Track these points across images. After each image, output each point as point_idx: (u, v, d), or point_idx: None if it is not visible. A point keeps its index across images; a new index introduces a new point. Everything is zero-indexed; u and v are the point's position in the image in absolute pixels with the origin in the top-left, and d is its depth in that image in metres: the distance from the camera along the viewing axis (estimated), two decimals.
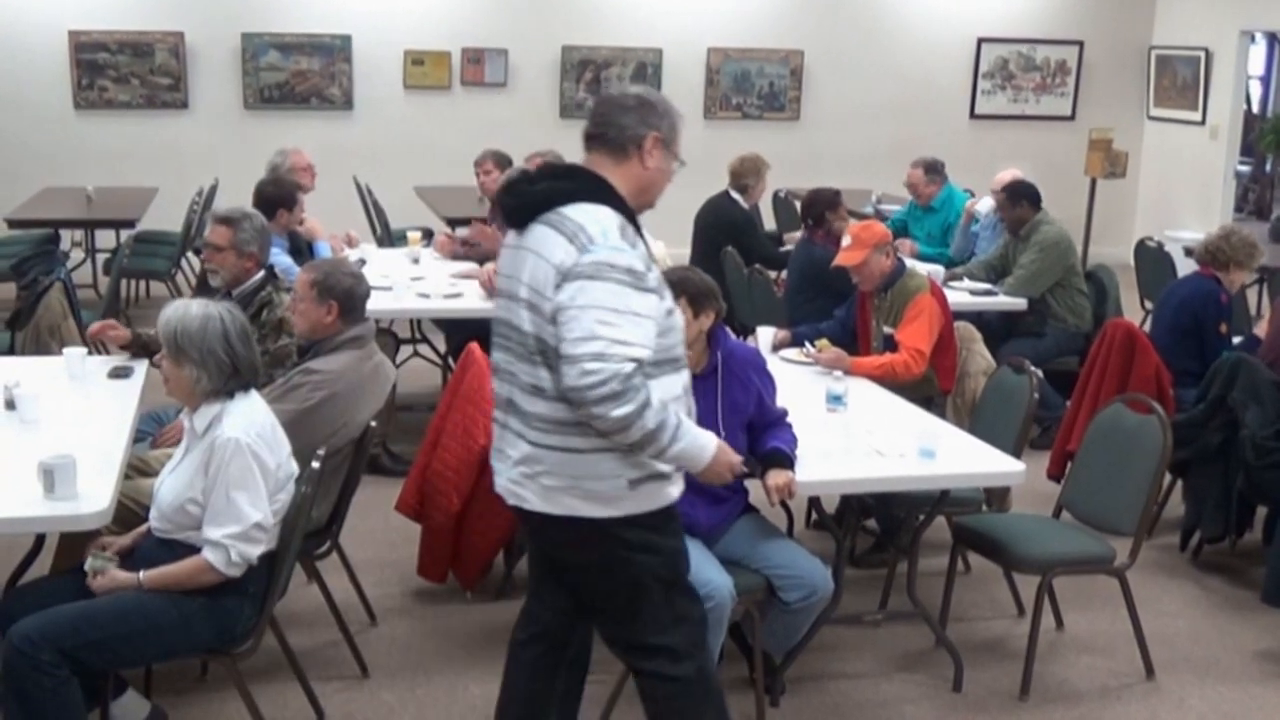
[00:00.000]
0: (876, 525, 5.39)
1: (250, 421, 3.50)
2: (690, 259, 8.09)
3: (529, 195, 3.17)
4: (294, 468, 3.67)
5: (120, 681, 3.78)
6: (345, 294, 4.45)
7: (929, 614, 4.58)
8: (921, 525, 4.54)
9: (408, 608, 4.91)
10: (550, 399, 3.09)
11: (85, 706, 3.45)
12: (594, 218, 3.08)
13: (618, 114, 3.25)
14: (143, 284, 9.61)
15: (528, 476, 3.17)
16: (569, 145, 11.24)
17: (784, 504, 5.35)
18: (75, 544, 3.90)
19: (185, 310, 3.51)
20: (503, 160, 7.87)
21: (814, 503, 4.72)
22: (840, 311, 5.90)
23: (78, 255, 9.89)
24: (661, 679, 3.35)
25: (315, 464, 3.67)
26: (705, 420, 4.01)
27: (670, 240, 8.13)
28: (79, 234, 9.82)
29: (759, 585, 4.03)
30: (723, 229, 8.06)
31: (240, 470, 3.44)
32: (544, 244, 3.08)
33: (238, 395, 3.54)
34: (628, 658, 3.45)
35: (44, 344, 5.80)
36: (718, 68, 12.21)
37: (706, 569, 3.87)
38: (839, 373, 4.90)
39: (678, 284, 4.00)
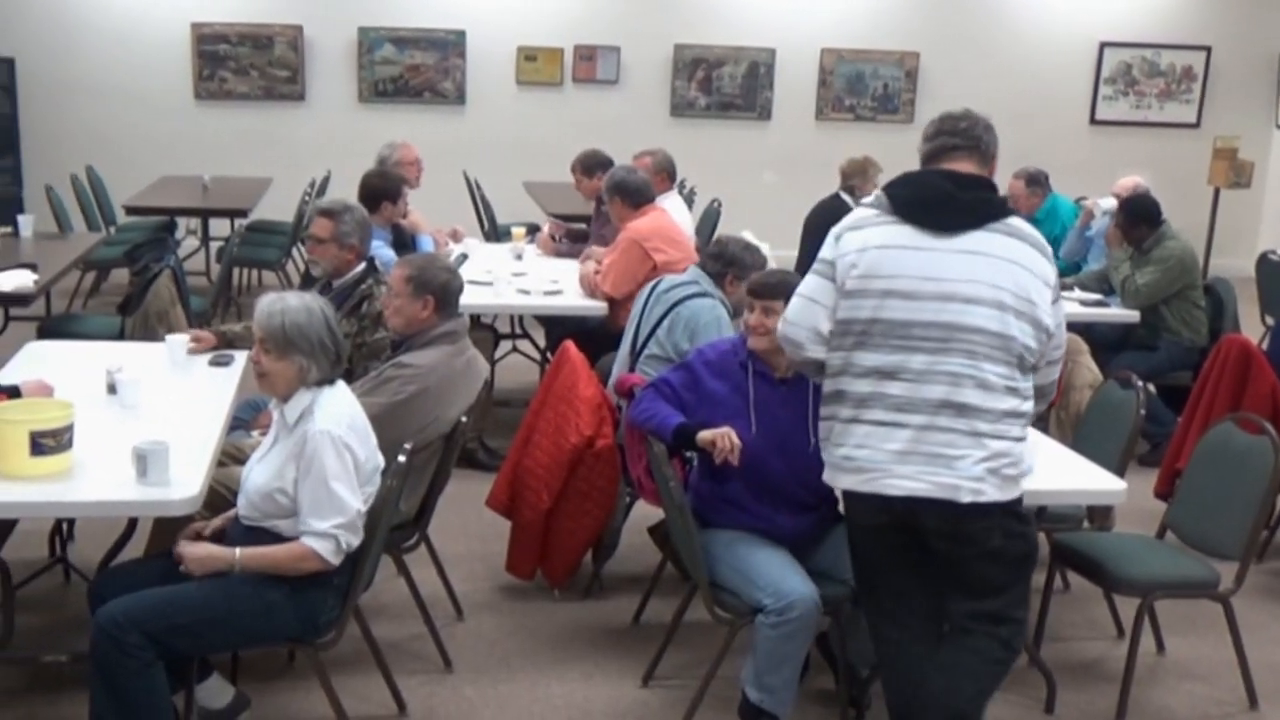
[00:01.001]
0: None
1: (340, 414, 3.52)
2: (796, 261, 7.99)
3: (969, 203, 3.39)
4: (380, 460, 3.68)
5: (206, 666, 3.82)
6: (441, 289, 4.46)
7: None
8: None
9: (494, 603, 4.90)
10: (1021, 396, 3.36)
11: (170, 689, 3.49)
12: (1036, 232, 3.46)
13: (981, 129, 3.53)
14: (254, 273, 9.77)
15: (992, 471, 3.33)
16: (679, 143, 11.27)
17: None
18: (167, 528, 3.95)
19: (286, 303, 3.52)
20: (590, 168, 7.81)
21: None
22: None
23: (192, 243, 10.09)
24: (1002, 645, 3.50)
25: (401, 458, 3.67)
26: (795, 427, 3.97)
27: (779, 242, 8.08)
28: (194, 222, 10.02)
29: (845, 596, 3.95)
30: (829, 230, 7.94)
31: (335, 462, 3.45)
32: (1015, 253, 3.36)
33: (326, 387, 3.56)
34: (981, 625, 3.50)
35: (152, 330, 5.90)
36: (831, 69, 12.09)
37: (790, 578, 3.80)
38: None
39: (777, 286, 3.95)
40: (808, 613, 3.76)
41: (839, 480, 3.49)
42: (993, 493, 3.32)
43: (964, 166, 3.46)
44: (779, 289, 3.93)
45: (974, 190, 3.41)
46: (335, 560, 3.47)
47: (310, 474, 3.44)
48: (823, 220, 7.99)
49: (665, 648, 4.36)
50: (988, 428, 3.30)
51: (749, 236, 7.65)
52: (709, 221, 9.13)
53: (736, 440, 3.85)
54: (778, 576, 3.81)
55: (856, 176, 8.06)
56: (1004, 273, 3.32)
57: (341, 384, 3.65)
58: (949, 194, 3.37)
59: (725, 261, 5.05)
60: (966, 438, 3.30)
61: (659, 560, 4.75)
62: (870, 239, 3.42)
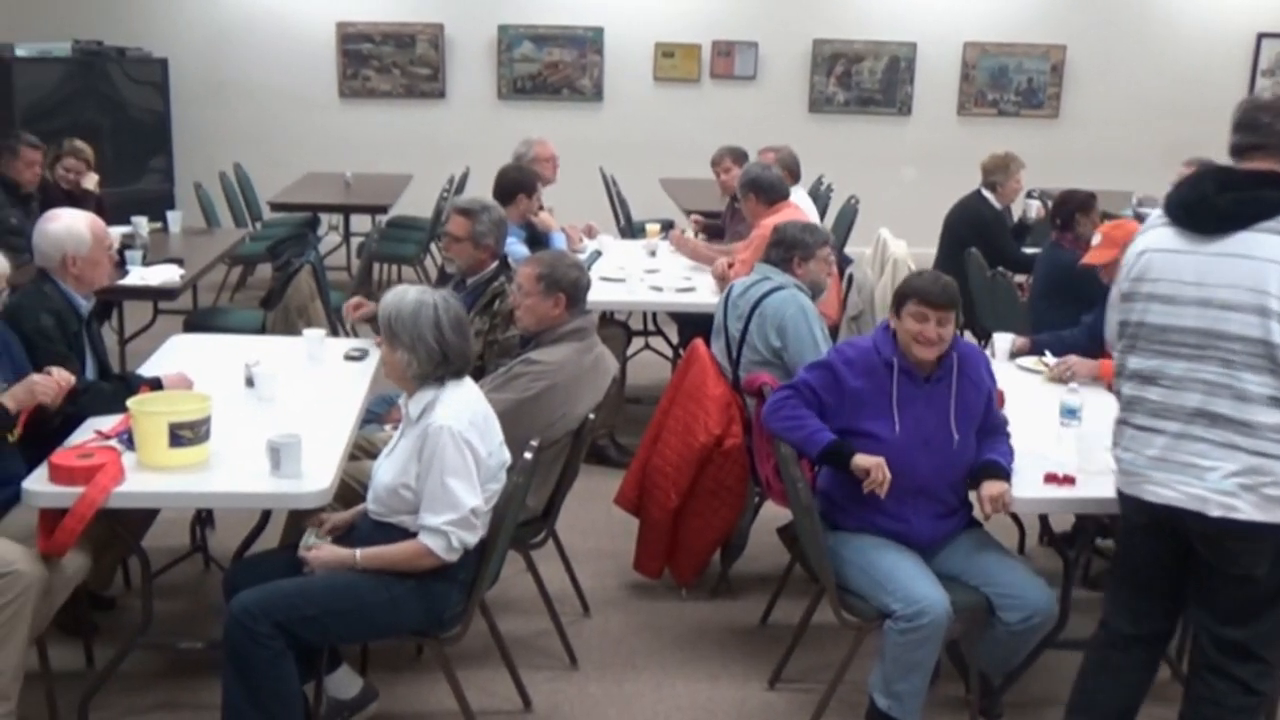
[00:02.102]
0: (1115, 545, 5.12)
1: (462, 409, 3.53)
2: (935, 259, 7.87)
3: (1227, 205, 3.24)
4: (506, 456, 3.69)
5: (335, 657, 3.87)
6: (571, 286, 4.46)
7: None
8: None
9: (622, 601, 4.90)
10: None
11: (300, 679, 3.55)
12: None
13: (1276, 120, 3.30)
14: (393, 268, 9.91)
15: (1246, 488, 3.21)
16: (817, 139, 11.16)
17: (1016, 519, 5.19)
18: (302, 520, 4.01)
19: (402, 296, 3.57)
20: (740, 156, 7.79)
21: (1043, 521, 4.51)
22: (1089, 317, 5.59)
23: (334, 239, 10.30)
24: (1244, 689, 3.39)
25: (528, 454, 3.67)
26: (938, 425, 3.90)
27: (918, 240, 7.96)
28: (336, 218, 10.21)
29: (978, 603, 3.85)
30: (970, 227, 7.79)
31: (454, 457, 3.47)
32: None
33: (450, 383, 3.58)
34: (1226, 659, 3.41)
35: (292, 324, 6.02)
36: (974, 63, 11.86)
37: (921, 584, 3.73)
38: (1075, 385, 4.65)
39: (951, 294, 3.88)
40: (938, 620, 3.68)
41: (1116, 479, 3.52)
42: (1250, 511, 3.21)
43: (1260, 163, 3.29)
44: (953, 299, 3.87)
45: (1238, 190, 3.25)
46: (449, 557, 3.49)
47: (430, 469, 3.46)
48: (962, 218, 7.88)
49: (792, 650, 4.31)
50: (1244, 441, 3.20)
51: (885, 234, 7.58)
52: (845, 219, 9.03)
53: (888, 474, 3.79)
54: (908, 582, 3.74)
55: (998, 173, 7.88)
56: (1270, 276, 3.16)
57: (468, 380, 3.66)
58: (1203, 196, 3.30)
59: (787, 246, 4.97)
60: (1219, 449, 3.23)
61: (788, 561, 4.69)
62: (1148, 242, 3.42)
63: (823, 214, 9.45)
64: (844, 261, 7.42)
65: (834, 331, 6.28)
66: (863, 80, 11.88)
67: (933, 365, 3.93)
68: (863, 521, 3.95)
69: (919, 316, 3.86)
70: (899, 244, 7.42)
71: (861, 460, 3.80)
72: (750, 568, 5.07)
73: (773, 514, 4.82)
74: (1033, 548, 5.39)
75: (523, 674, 4.15)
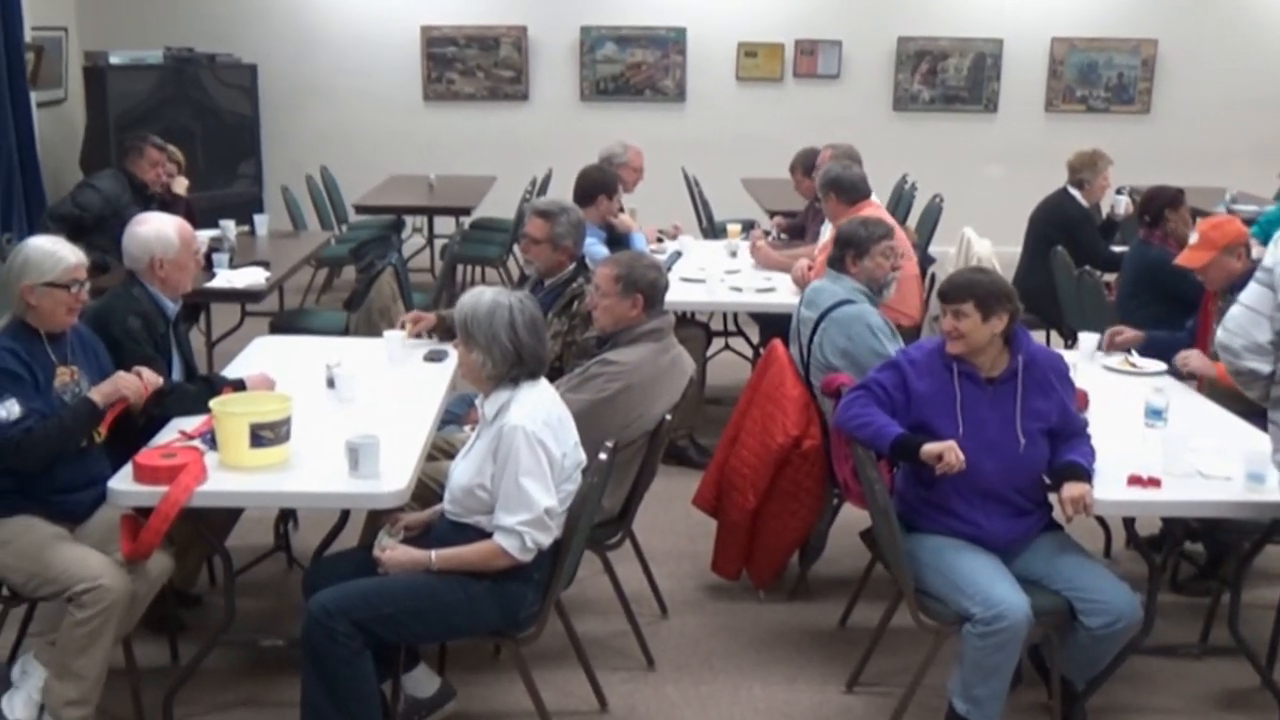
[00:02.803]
0: (1204, 550, 5.02)
1: (536, 410, 3.54)
2: (1020, 258, 7.76)
3: None
4: (581, 457, 3.69)
5: (413, 656, 3.90)
6: (649, 286, 4.47)
7: (1254, 651, 4.20)
8: (1248, 555, 4.19)
9: (699, 602, 4.89)
10: None
11: (378, 677, 3.58)
12: None
13: None
14: (477, 269, 9.98)
15: None
16: (902, 138, 11.07)
17: (1102, 522, 5.10)
18: (381, 520, 4.05)
19: (478, 297, 3.59)
20: (810, 167, 7.69)
21: (1129, 524, 4.41)
22: (1191, 322, 5.44)
23: (418, 241, 10.39)
24: None
25: (602, 455, 3.68)
26: (1002, 427, 3.84)
27: (1004, 239, 7.86)
28: (420, 220, 10.30)
29: (1059, 607, 3.79)
30: (1056, 226, 7.67)
31: (528, 458, 3.48)
32: None
33: (525, 384, 3.59)
34: None
35: (374, 325, 6.07)
36: (1062, 58, 11.69)
37: (1000, 586, 3.68)
38: (1159, 386, 4.56)
39: (964, 286, 3.82)
40: (1017, 623, 3.63)
41: None
42: None
43: None
44: (965, 290, 3.81)
45: None
46: (523, 558, 3.50)
47: (504, 470, 3.48)
48: (1048, 216, 7.76)
49: (870, 653, 4.27)
50: None
51: (969, 233, 7.49)
52: (929, 218, 8.93)
53: (961, 456, 3.74)
54: (986, 584, 3.69)
55: (1085, 170, 7.75)
56: None
57: (543, 381, 3.68)
58: None
59: (840, 244, 4.89)
60: None
61: (867, 563, 4.65)
62: None
63: (906, 213, 9.38)
64: (926, 261, 7.36)
65: (915, 332, 6.22)
66: (948, 78, 11.76)
67: (996, 367, 3.87)
68: (937, 524, 3.91)
69: (942, 312, 3.87)
70: (983, 243, 7.33)
71: (931, 446, 3.76)
72: (829, 570, 5.03)
73: (852, 516, 4.77)
74: (1119, 551, 5.31)
75: (599, 675, 4.16)
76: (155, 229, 4.39)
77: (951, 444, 3.75)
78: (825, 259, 6.08)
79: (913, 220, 9.21)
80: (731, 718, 4.11)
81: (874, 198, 6.59)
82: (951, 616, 3.76)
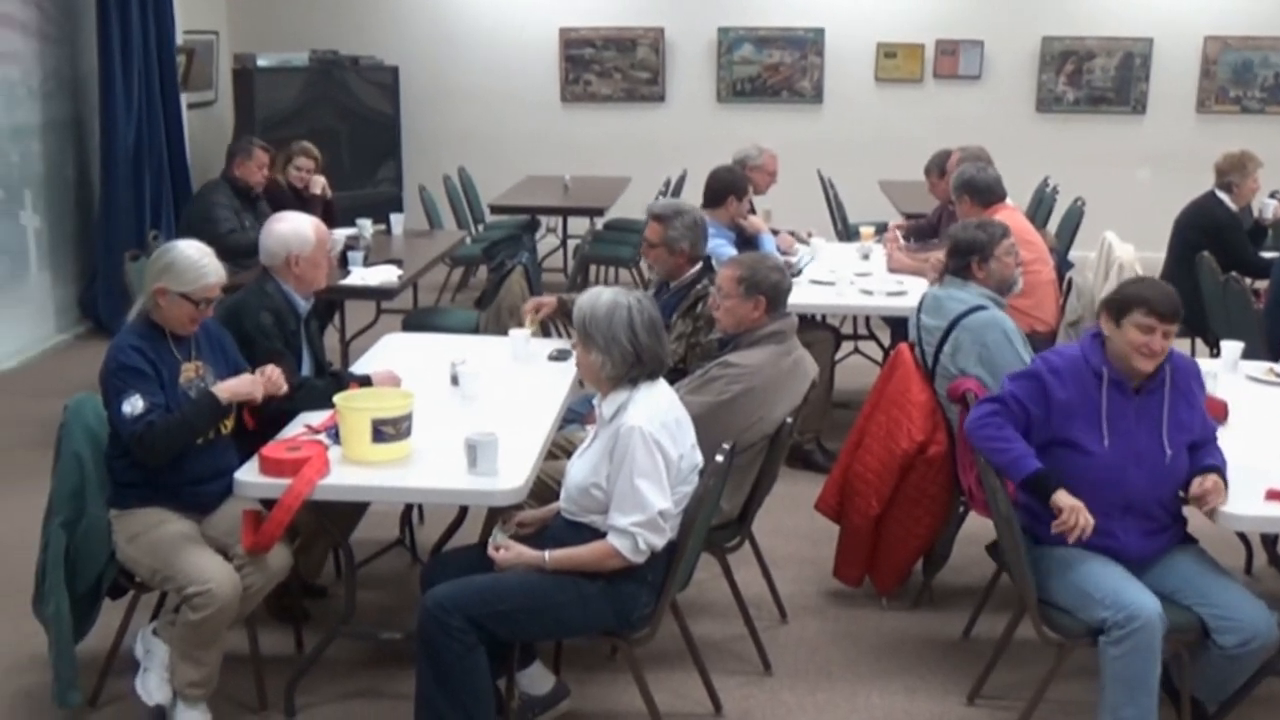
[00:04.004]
0: None
1: (654, 411, 3.53)
2: (1164, 263, 7.54)
3: None
4: (698, 459, 3.67)
5: (528, 653, 3.92)
6: (772, 289, 4.42)
7: None
8: None
9: (819, 608, 4.83)
10: None
11: (492, 673, 3.60)
12: None
13: None
14: (610, 270, 10.02)
15: None
16: (1045, 140, 10.85)
17: (1243, 538, 4.92)
18: (500, 517, 4.08)
19: (597, 297, 3.59)
20: (945, 166, 7.56)
21: (1270, 541, 4.26)
22: None
23: (552, 241, 10.47)
24: None
25: (719, 457, 3.65)
26: (1149, 439, 3.72)
27: (1148, 244, 7.64)
28: (554, 220, 10.38)
29: (1191, 624, 3.65)
30: (1202, 230, 7.43)
31: (644, 459, 3.47)
32: None
33: (644, 384, 3.58)
34: None
35: (504, 324, 6.12)
36: (1215, 57, 11.33)
37: (1129, 588, 3.58)
38: None
39: (1177, 305, 3.67)
40: (1151, 623, 3.50)
41: None
42: None
43: None
44: (1181, 310, 3.66)
45: None
46: (635, 559, 3.49)
47: (620, 470, 3.47)
48: (1194, 220, 7.52)
49: (993, 665, 4.17)
50: None
51: (1111, 237, 7.29)
52: (1070, 221, 8.73)
53: (1089, 521, 3.63)
54: (1116, 588, 3.58)
55: (1234, 173, 7.49)
56: None
57: (661, 382, 3.66)
58: None
59: (963, 251, 4.72)
60: None
61: (993, 571, 4.55)
62: None
63: (1046, 217, 9.18)
64: (1064, 265, 7.18)
65: (1051, 337, 6.08)
66: (1094, 78, 11.47)
67: (1145, 376, 3.75)
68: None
69: (1145, 328, 3.65)
70: (1125, 248, 7.12)
71: (1061, 499, 3.66)
72: (954, 579, 4.94)
73: (979, 524, 4.67)
74: (1261, 569, 5.11)
75: (715, 678, 4.13)
76: (293, 227, 4.48)
77: (1080, 505, 3.64)
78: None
79: (1053, 224, 9.01)
80: None
81: (1010, 200, 6.46)
82: (1080, 629, 3.66)
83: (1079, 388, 3.77)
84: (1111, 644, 3.55)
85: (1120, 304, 3.71)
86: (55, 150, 8.63)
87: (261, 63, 10.59)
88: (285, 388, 4.04)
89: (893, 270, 6.86)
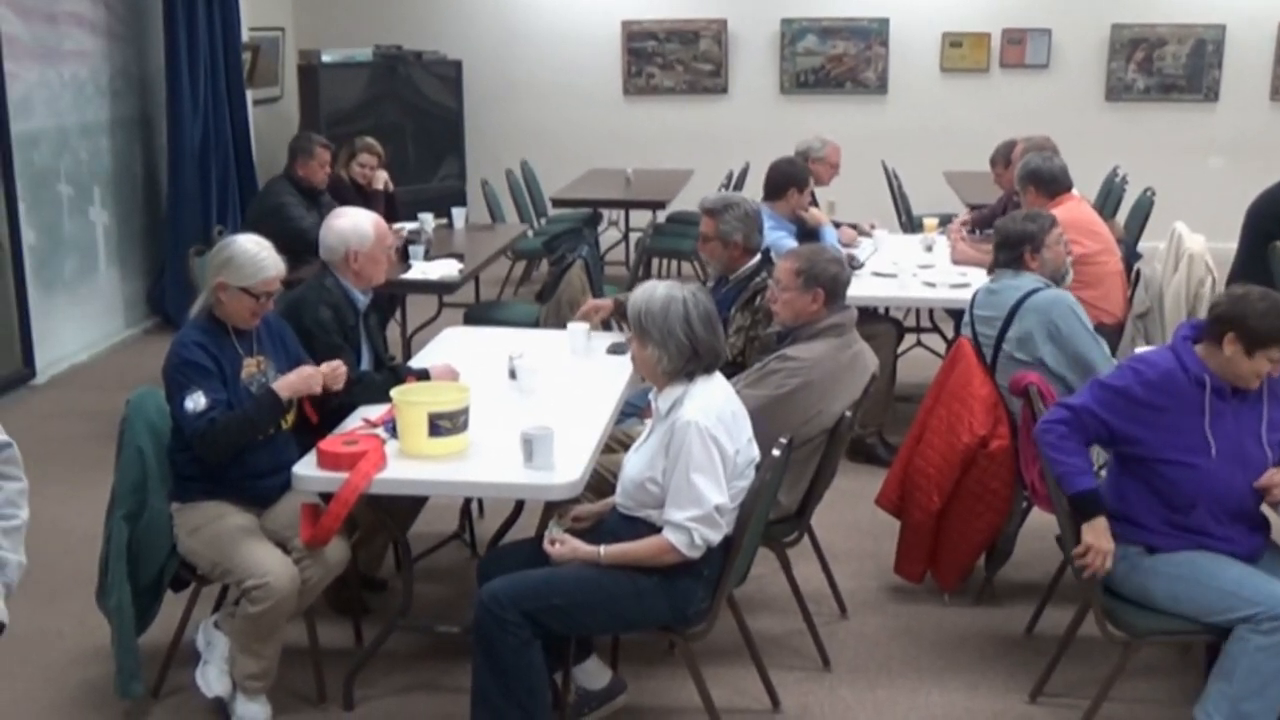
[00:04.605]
0: None
1: (710, 405, 3.50)
2: (1235, 253, 7.38)
3: None
4: (755, 453, 3.64)
5: (585, 647, 3.91)
6: (831, 281, 4.38)
7: None
8: None
9: (880, 604, 4.78)
10: None
11: (549, 668, 3.60)
12: None
13: None
14: (672, 263, 10.00)
15: None
16: (1114, 129, 10.66)
17: None
18: (555, 510, 4.07)
19: (651, 292, 3.56)
20: (1009, 155, 7.46)
21: None
22: None
23: (614, 234, 10.46)
24: None
25: (776, 451, 3.62)
26: (1251, 443, 3.63)
27: (1220, 234, 7.50)
28: (616, 214, 10.37)
29: None
30: (1275, 220, 7.26)
31: (700, 453, 3.44)
32: None
33: (699, 378, 3.55)
34: None
35: (564, 318, 6.10)
36: None
37: (1273, 584, 3.50)
38: None
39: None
40: None
41: None
42: None
43: None
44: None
45: None
46: (691, 554, 3.46)
47: (676, 464, 3.45)
48: (1266, 209, 7.34)
49: (1057, 662, 4.11)
50: None
51: (1181, 228, 7.15)
52: (1140, 212, 8.57)
53: (1104, 566, 3.63)
54: (1257, 583, 3.52)
55: None
56: None
57: (718, 375, 3.63)
58: None
59: (1014, 243, 4.68)
60: None
61: (1056, 567, 4.49)
62: None
63: (1115, 207, 9.03)
64: (1132, 256, 7.06)
65: (1119, 329, 5.99)
66: (1165, 66, 11.28)
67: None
68: (1187, 542, 3.65)
69: (1276, 360, 3.52)
70: (1196, 239, 6.98)
71: (1087, 533, 3.64)
72: (1017, 574, 4.87)
73: (1043, 520, 4.61)
74: None
75: (773, 674, 4.10)
76: (352, 222, 4.50)
77: (1106, 550, 3.62)
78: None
79: (1122, 214, 8.87)
80: None
81: (1076, 190, 6.36)
82: (1143, 629, 3.61)
83: (1178, 400, 3.61)
84: (1261, 634, 3.45)
85: (1260, 337, 3.50)
86: (123, 147, 8.74)
87: (326, 59, 10.66)
88: (342, 383, 4.05)
89: (957, 261, 6.78)
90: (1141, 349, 5.00)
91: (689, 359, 3.53)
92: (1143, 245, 8.09)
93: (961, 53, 11.39)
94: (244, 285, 3.86)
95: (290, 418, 4.01)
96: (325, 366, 4.01)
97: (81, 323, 8.24)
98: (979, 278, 6.31)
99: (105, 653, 4.01)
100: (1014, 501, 4.59)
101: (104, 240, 8.53)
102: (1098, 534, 3.64)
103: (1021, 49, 11.34)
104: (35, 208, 7.66)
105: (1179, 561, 3.64)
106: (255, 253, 3.91)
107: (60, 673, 4.23)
